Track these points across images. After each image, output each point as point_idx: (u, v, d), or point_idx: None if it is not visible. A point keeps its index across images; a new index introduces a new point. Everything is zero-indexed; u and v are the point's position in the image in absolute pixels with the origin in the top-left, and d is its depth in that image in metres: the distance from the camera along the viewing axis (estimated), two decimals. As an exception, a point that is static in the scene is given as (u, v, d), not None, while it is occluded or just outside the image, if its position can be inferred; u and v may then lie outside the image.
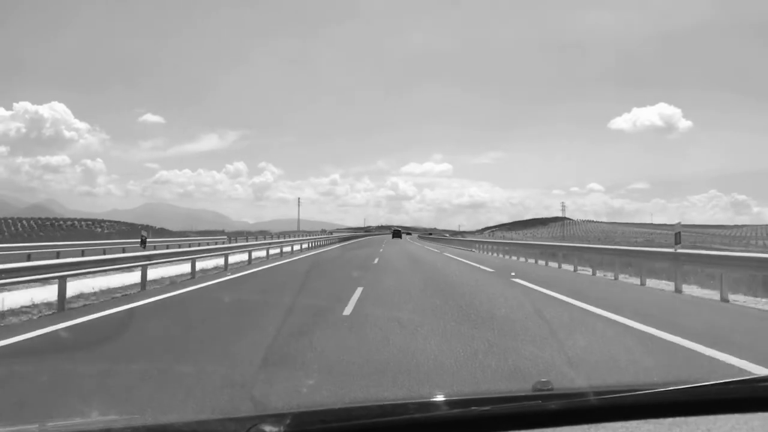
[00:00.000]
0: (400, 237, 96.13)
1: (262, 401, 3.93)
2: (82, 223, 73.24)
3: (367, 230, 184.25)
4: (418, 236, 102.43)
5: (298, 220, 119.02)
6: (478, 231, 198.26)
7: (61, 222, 74.36)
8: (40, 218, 70.52)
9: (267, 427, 1.25)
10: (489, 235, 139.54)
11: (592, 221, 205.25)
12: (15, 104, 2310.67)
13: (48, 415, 3.63)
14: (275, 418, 1.30)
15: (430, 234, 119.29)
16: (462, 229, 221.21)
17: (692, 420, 1.41)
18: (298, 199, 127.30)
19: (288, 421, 1.29)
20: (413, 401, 1.52)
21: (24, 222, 65.65)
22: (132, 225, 75.37)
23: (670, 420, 1.41)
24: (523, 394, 1.59)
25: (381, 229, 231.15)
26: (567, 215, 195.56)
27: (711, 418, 1.42)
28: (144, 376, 4.55)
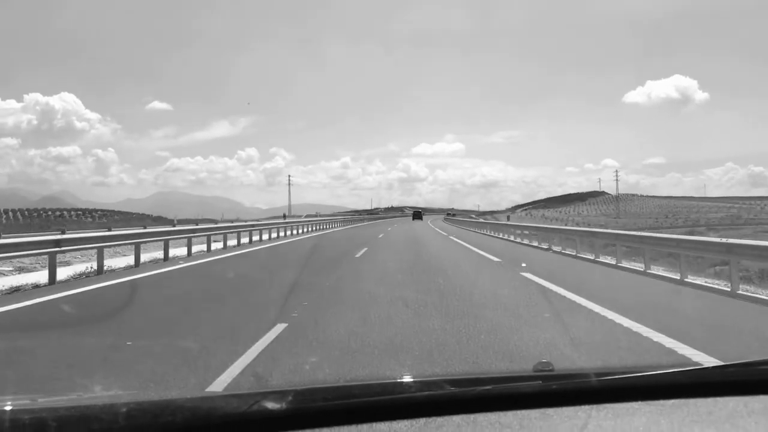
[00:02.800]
0: (421, 219, 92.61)
1: (264, 377, 4.14)
2: (72, 213, 73.89)
3: (373, 213, 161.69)
4: (443, 218, 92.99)
5: (289, 204, 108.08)
6: (508, 209, 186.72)
7: (49, 213, 74.96)
8: (50, 209, 73.10)
9: (269, 404, 1.29)
10: (525, 215, 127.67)
11: (636, 195, 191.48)
12: (26, 96, 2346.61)
13: (52, 388, 3.93)
14: (277, 395, 1.34)
15: (454, 215, 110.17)
16: (481, 209, 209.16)
17: (693, 402, 1.44)
18: (288, 177, 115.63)
19: (290, 398, 1.33)
20: (415, 380, 1.55)
21: (35, 213, 69.21)
22: (125, 213, 76.20)
23: (671, 402, 1.43)
24: (524, 374, 1.63)
25: (390, 210, 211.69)
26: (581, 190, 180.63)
27: (711, 400, 1.44)
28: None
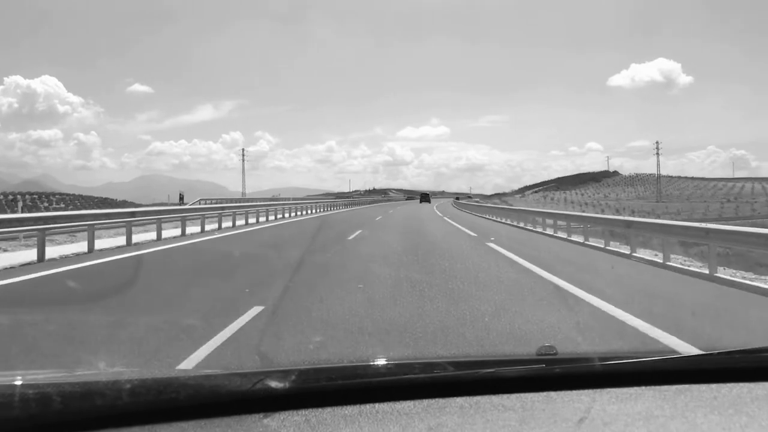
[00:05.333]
0: (429, 201, 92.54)
1: (268, 356, 4.24)
2: (26, 196, 67.14)
3: (343, 197, 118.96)
4: (452, 202, 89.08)
5: (243, 184, 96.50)
6: (515, 192, 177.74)
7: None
8: (29, 192, 70.22)
9: (273, 383, 1.33)
10: (543, 200, 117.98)
11: (653, 175, 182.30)
12: (6, 79, 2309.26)
13: (57, 364, 4.01)
14: (281, 374, 1.37)
15: (458, 198, 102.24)
16: (473, 191, 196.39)
17: (696, 387, 1.47)
18: (242, 151, 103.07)
19: (293, 377, 1.36)
20: (418, 361, 1.59)
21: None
22: (87, 198, 71.45)
23: (675, 387, 1.47)
24: (527, 357, 1.67)
25: (372, 193, 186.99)
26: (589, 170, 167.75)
27: (714, 386, 1.48)
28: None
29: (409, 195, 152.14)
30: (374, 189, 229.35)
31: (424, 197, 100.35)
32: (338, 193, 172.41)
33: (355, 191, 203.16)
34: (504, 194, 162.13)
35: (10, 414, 1.16)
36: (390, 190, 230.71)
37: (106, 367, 4.02)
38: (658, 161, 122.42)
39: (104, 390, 1.25)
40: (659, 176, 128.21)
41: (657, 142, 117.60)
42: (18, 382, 1.26)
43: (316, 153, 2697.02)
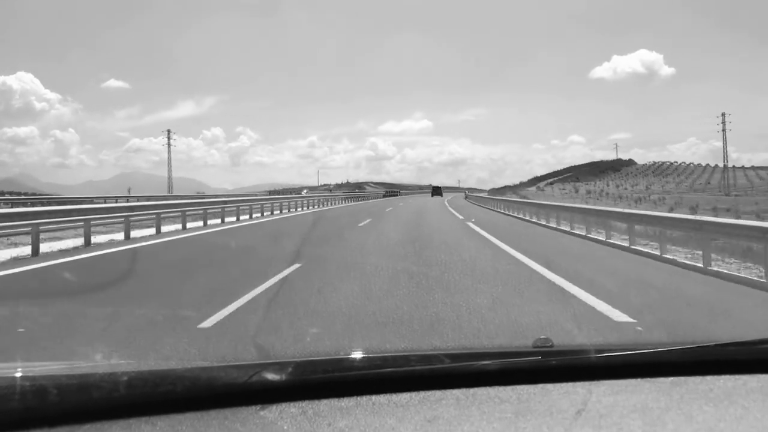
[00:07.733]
0: (441, 195, 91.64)
1: (265, 348, 4.37)
2: None
3: (295, 192, 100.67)
4: (465, 196, 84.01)
5: (169, 178, 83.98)
6: (524, 183, 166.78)
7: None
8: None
9: (269, 375, 1.36)
10: (578, 194, 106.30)
11: (674, 163, 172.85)
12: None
13: (52, 356, 4.10)
14: (278, 366, 1.40)
15: (466, 191, 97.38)
16: (461, 185, 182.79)
17: (692, 380, 1.51)
18: (168, 131, 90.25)
19: (290, 370, 1.39)
20: (414, 353, 1.64)
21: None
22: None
23: (670, 379, 1.50)
24: (523, 349, 1.70)
25: (343, 188, 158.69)
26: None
27: (710, 378, 1.51)
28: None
29: (390, 190, 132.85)
30: (348, 182, 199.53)
31: (436, 191, 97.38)
32: (308, 188, 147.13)
33: (323, 185, 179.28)
34: (515, 186, 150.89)
35: (7, 406, 1.17)
36: (368, 183, 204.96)
37: (102, 359, 4.20)
38: (724, 140, 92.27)
39: (100, 382, 1.27)
40: (726, 165, 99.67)
41: (723, 114, 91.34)
42: (17, 374, 1.28)
43: (298, 148, 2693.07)
